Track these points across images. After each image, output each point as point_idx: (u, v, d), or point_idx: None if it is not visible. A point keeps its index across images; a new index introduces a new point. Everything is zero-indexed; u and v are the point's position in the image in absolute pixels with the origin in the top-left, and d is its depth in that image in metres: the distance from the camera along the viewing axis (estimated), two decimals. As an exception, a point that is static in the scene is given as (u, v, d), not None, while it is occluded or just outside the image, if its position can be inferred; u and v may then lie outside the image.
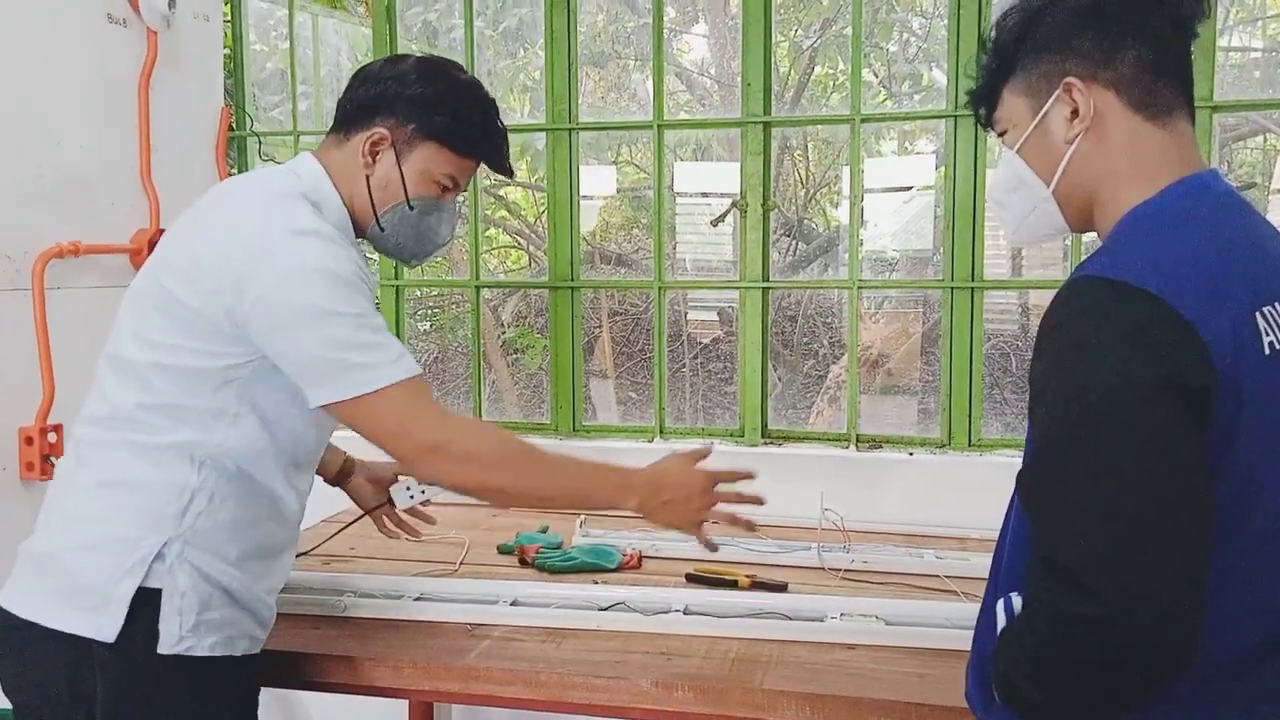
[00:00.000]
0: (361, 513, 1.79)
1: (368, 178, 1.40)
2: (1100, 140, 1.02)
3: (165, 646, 1.27)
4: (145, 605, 1.27)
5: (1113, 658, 0.84)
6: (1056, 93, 1.03)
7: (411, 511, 1.77)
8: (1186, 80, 1.03)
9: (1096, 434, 0.86)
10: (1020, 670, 0.91)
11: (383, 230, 1.43)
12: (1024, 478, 0.96)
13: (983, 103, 1.13)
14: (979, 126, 1.17)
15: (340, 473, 1.75)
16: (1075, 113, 1.02)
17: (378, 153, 1.40)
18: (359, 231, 1.45)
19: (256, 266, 1.27)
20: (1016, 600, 0.98)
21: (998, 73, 1.09)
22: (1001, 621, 0.99)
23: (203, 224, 1.36)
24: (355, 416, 1.30)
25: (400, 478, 1.77)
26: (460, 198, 1.52)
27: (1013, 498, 1.08)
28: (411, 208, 1.42)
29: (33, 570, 1.32)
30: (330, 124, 1.47)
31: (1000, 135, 1.12)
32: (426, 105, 1.39)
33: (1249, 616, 0.92)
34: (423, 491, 1.74)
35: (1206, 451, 0.87)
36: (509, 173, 1.52)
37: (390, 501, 1.75)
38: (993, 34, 1.10)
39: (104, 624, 1.25)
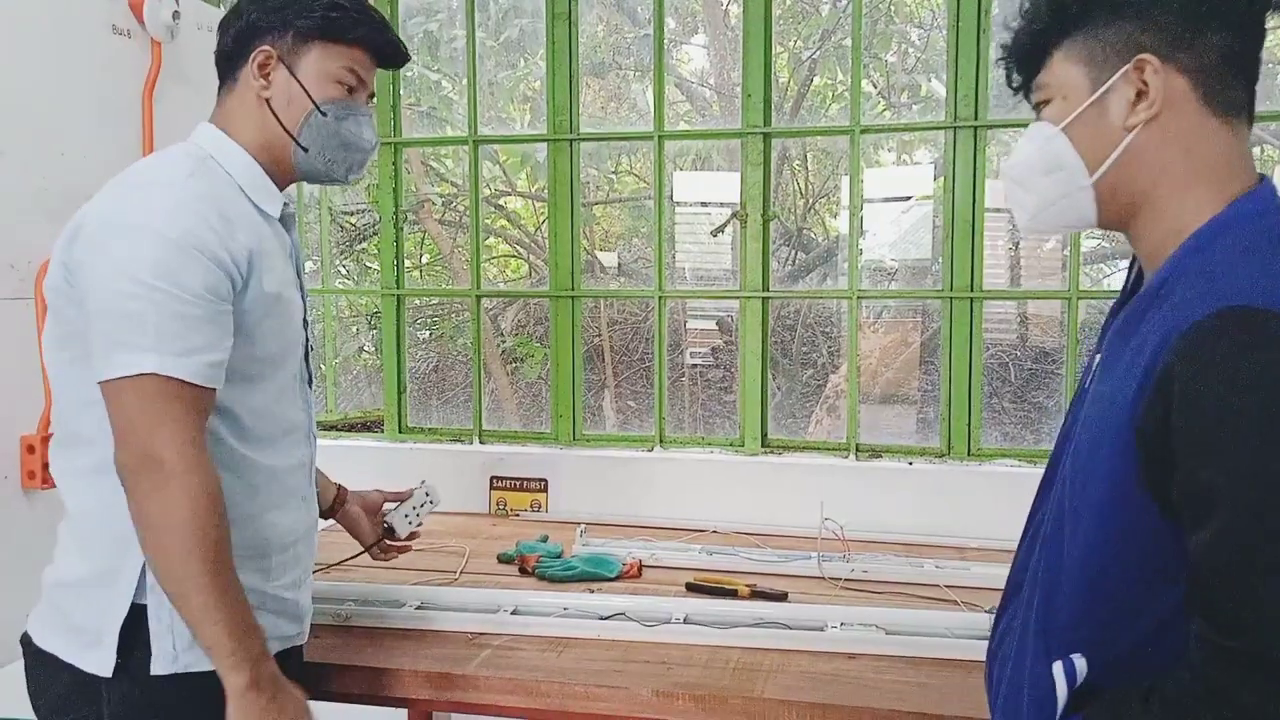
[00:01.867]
0: (361, 549, 1.74)
1: (268, 102, 1.32)
2: (1164, 132, 0.90)
3: (160, 667, 1.22)
4: (139, 626, 1.22)
5: None
6: (1125, 68, 0.90)
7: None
8: (1256, 78, 0.92)
9: None
10: None
11: (306, 150, 1.34)
12: (1209, 552, 0.79)
13: (1023, 63, 0.98)
14: (1011, 89, 1.00)
15: (333, 505, 1.69)
16: (1141, 95, 0.90)
17: (268, 71, 1.32)
18: (285, 175, 1.37)
19: (90, 218, 1.21)
20: (1080, 663, 0.89)
21: (1050, 30, 0.94)
22: (1062, 686, 0.89)
23: None
24: (109, 403, 1.16)
25: (389, 505, 1.73)
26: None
27: (1032, 541, 1.01)
28: (324, 113, 1.33)
29: (45, 601, 1.30)
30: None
31: (1037, 105, 0.99)
32: (295, 9, 1.32)
33: None
34: (418, 515, 1.74)
35: None
36: (402, 53, 1.42)
37: (391, 531, 1.72)
38: None
39: (100, 659, 1.21)
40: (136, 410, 1.15)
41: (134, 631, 1.22)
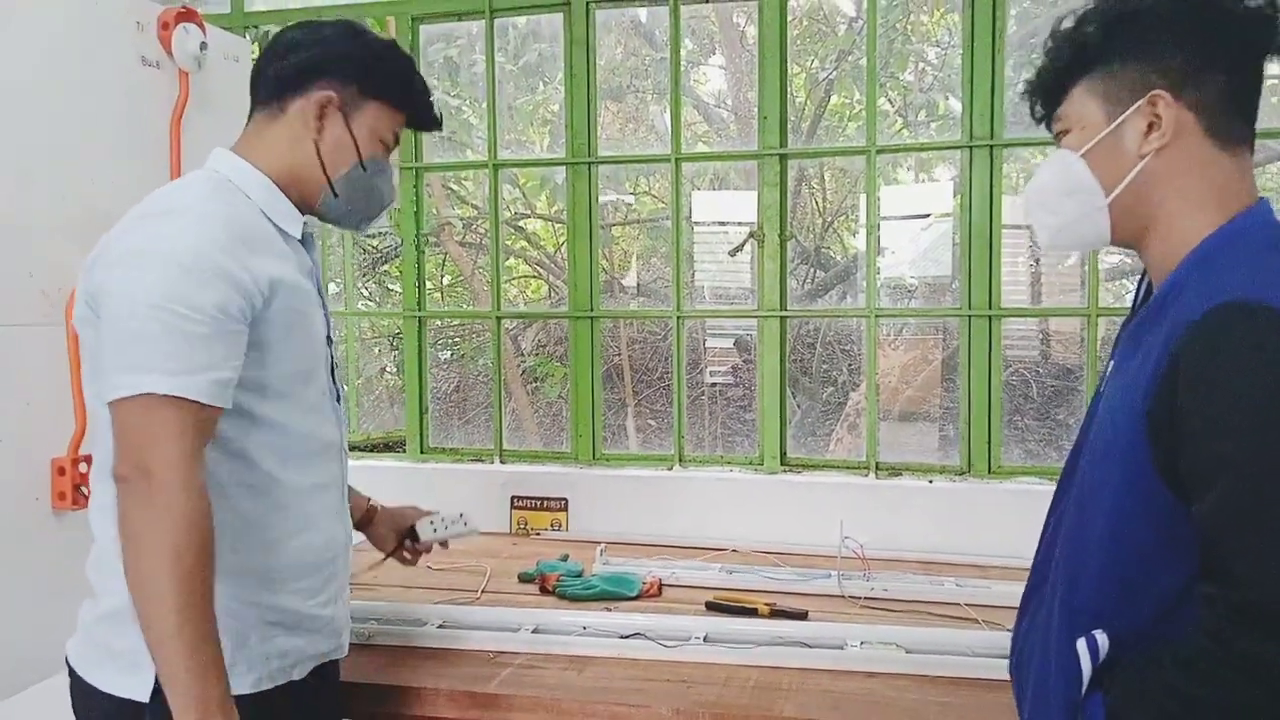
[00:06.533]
0: (382, 558, 1.76)
1: (316, 143, 1.33)
2: (1172, 160, 1.01)
3: None
4: None
5: None
6: (1139, 103, 1.01)
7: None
8: (1254, 115, 1.03)
9: None
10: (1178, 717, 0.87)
11: (336, 197, 1.36)
12: (1210, 519, 0.88)
13: (1044, 97, 1.09)
14: (1035, 120, 1.11)
15: (362, 519, 1.71)
16: (1152, 126, 1.01)
17: (325, 115, 1.33)
18: (303, 207, 1.37)
19: (108, 248, 1.22)
20: (1101, 638, 0.96)
21: (1070, 68, 1.05)
22: (1086, 661, 0.96)
23: None
24: (114, 423, 1.17)
25: (424, 519, 1.74)
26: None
27: (1054, 530, 1.06)
28: (364, 169, 1.37)
29: (84, 634, 1.31)
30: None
31: (1057, 135, 1.10)
32: (365, 64, 1.34)
33: None
34: (445, 526, 1.75)
35: None
36: (438, 124, 1.46)
37: (415, 538, 1.74)
38: (1068, 28, 1.05)
39: (139, 683, 1.21)
40: (133, 426, 1.15)
41: None
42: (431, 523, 1.74)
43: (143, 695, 1.22)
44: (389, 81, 1.37)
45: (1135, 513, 0.95)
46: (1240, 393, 0.87)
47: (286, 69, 1.34)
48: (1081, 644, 0.96)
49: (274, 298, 1.25)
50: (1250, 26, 0.99)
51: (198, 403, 1.16)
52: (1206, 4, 1.00)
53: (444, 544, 1.75)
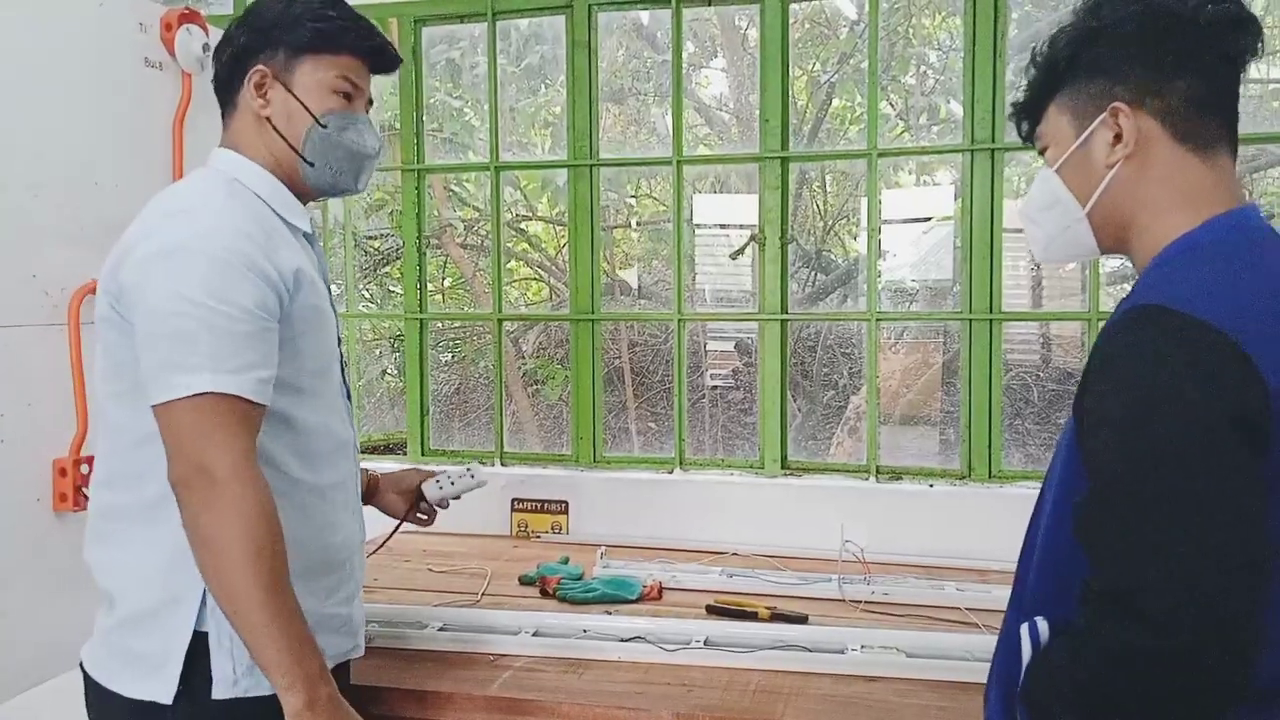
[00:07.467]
0: (395, 525, 1.77)
1: (269, 120, 1.33)
2: (1141, 168, 1.03)
3: (220, 691, 1.22)
4: (200, 651, 1.22)
5: (1176, 690, 0.83)
6: (1102, 116, 1.03)
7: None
8: (1232, 116, 1.04)
9: (1164, 467, 0.86)
10: (1063, 701, 0.91)
11: (312, 165, 1.35)
12: (1081, 509, 0.93)
13: (1025, 116, 1.14)
14: (1022, 140, 1.16)
15: (366, 491, 1.69)
16: (1118, 138, 1.03)
17: (264, 89, 1.33)
18: (300, 192, 1.38)
19: (134, 244, 1.21)
20: (1042, 625, 0.98)
21: (1044, 88, 1.09)
22: (1026, 646, 0.99)
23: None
24: (163, 425, 1.16)
25: (429, 480, 1.74)
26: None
27: (1034, 521, 1.08)
28: (324, 125, 1.34)
29: (100, 638, 1.30)
30: None
31: (1040, 152, 1.13)
32: (282, 26, 1.34)
33: None
34: (451, 483, 1.75)
35: (1265, 485, 0.87)
36: (393, 56, 1.42)
37: (421, 496, 1.73)
38: (1044, 49, 1.09)
39: (162, 686, 1.21)
40: (189, 427, 1.15)
41: (194, 657, 1.22)
42: (438, 481, 1.74)
43: (165, 697, 1.22)
44: (312, 33, 1.34)
45: (1066, 503, 0.98)
46: (1118, 392, 0.90)
47: (224, 68, 1.36)
48: (1024, 629, 1.00)
49: (298, 292, 1.27)
50: (1210, 33, 1.00)
51: (250, 401, 1.18)
52: (1164, 15, 1.01)
53: (455, 496, 1.74)
